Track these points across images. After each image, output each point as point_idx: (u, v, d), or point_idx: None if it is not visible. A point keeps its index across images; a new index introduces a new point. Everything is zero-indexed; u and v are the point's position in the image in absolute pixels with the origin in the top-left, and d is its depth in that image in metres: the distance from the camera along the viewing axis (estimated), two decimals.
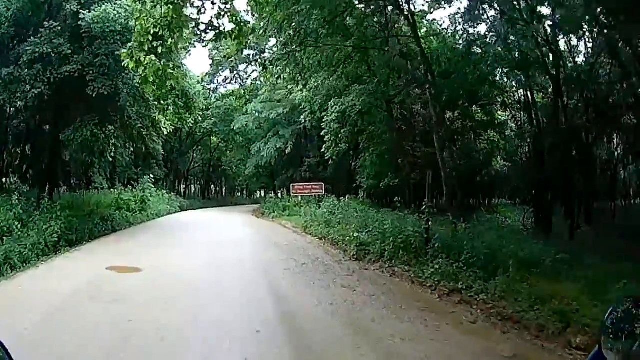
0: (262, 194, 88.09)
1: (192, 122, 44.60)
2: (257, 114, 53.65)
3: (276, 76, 31.19)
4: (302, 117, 43.74)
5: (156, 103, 32.78)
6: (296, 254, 21.71)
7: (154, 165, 59.30)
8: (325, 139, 36.42)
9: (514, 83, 31.79)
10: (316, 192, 43.36)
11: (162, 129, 37.14)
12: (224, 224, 38.06)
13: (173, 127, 40.55)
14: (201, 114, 47.73)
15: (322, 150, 38.33)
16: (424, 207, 19.29)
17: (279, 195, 55.62)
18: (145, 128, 34.00)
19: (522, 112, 32.24)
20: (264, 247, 24.49)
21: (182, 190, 73.13)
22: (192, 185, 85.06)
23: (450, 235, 18.82)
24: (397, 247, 18.78)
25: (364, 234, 22.23)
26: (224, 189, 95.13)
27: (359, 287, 15.41)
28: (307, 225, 30.97)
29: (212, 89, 67.02)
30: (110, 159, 36.40)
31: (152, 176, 48.52)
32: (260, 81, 57.05)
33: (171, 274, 16.81)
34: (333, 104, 33.53)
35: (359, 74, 33.24)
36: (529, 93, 29.65)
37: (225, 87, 67.80)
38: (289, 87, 49.96)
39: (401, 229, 19.90)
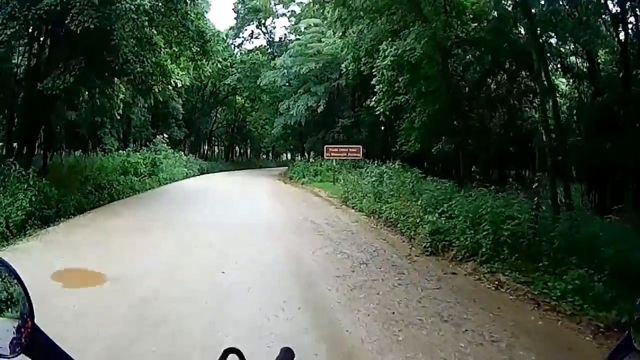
0: (289, 157, 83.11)
1: (210, 70, 39.51)
2: (286, 70, 46.76)
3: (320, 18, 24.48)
4: (342, 65, 38.15)
5: (167, 48, 27.00)
6: (347, 244, 15.42)
7: (173, 125, 54.23)
8: (376, 89, 29.46)
9: (570, 47, 26.42)
10: (353, 156, 37.39)
11: (176, 80, 30.85)
12: (245, 193, 31.68)
13: (189, 79, 34.16)
14: (220, 63, 41.12)
15: (370, 103, 31.76)
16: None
17: (309, 158, 48.72)
18: (150, 76, 27.05)
19: (578, 80, 26.94)
20: (299, 232, 17.60)
21: (204, 152, 67.57)
22: (216, 147, 79.52)
23: (569, 228, 12.38)
24: (501, 242, 12.42)
25: (436, 216, 16.00)
26: (249, 151, 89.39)
27: (464, 315, 9.31)
28: (349, 197, 24.86)
29: (236, 44, 60.45)
30: (118, 117, 32.69)
31: (165, 135, 42.82)
32: (292, 34, 50.80)
33: (144, 298, 9.82)
34: (386, 47, 26.81)
35: (408, 20, 26.81)
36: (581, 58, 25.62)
37: (252, 43, 61.02)
38: (324, 38, 44.42)
39: (500, 214, 13.46)
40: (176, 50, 30.18)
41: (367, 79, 37.27)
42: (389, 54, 26.07)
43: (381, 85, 28.28)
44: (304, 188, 35.52)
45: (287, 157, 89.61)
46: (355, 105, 47.40)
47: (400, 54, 25.36)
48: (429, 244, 14.58)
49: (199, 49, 29.26)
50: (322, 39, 45.28)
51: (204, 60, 31.31)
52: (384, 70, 27.37)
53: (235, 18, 59.09)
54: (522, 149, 31.52)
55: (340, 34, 33.04)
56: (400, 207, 18.26)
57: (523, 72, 29.02)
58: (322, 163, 40.85)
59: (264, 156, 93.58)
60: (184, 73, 33.10)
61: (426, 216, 16.17)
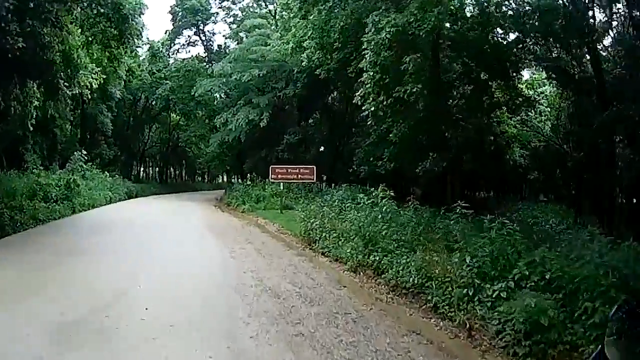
0: (225, 179, 75.60)
1: (127, 64, 37.07)
2: (224, 78, 38.58)
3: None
4: (303, 55, 29.62)
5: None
6: None
7: (102, 142, 47.42)
8: (364, 78, 19.79)
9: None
10: (305, 179, 29.82)
11: (88, 79, 23.16)
12: (173, 227, 23.46)
13: (103, 77, 25.92)
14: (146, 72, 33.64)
15: (354, 99, 22.60)
16: None
17: (249, 180, 40.30)
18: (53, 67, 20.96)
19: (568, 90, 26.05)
20: (253, 326, 8.59)
21: (136, 173, 60.88)
22: (150, 169, 73.74)
23: None
24: None
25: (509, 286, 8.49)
26: (184, 173, 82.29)
27: None
28: (315, 236, 16.63)
29: (172, 52, 52.25)
30: (31, 128, 27.05)
31: (84, 152, 34.62)
32: (233, 40, 42.88)
33: None
34: (377, 21, 18.42)
35: None
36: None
37: (189, 52, 52.79)
38: (270, 40, 36.61)
39: None
40: (87, 34, 22.52)
41: (317, 87, 34.75)
42: (388, 24, 17.54)
43: (371, 73, 19.09)
44: (245, 218, 27.55)
45: (223, 179, 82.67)
46: (302, 120, 39.58)
47: (404, 25, 17.11)
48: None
49: (114, 32, 23.15)
50: (268, 42, 37.22)
51: (121, 48, 25.38)
52: (379, 48, 18.49)
53: (171, 20, 50.36)
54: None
55: (301, 16, 26.49)
56: (424, 264, 9.94)
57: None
58: (266, 187, 33.47)
59: (199, 178, 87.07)
60: (98, 69, 24.99)
61: (487, 286, 8.39)
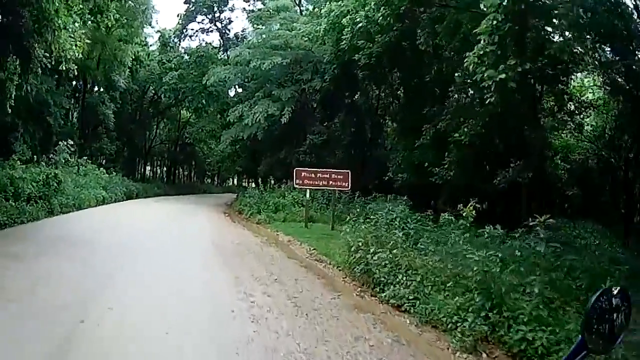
0: (236, 182, 70.22)
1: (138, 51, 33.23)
2: (242, 66, 32.26)
3: None
4: (344, 32, 23.61)
5: None
6: None
7: (103, 135, 42.26)
8: (480, 34, 12.67)
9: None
10: (339, 186, 23.44)
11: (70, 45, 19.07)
12: (164, 245, 16.48)
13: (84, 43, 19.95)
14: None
15: (465, 63, 13.74)
16: None
17: (266, 185, 34.23)
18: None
19: None
20: None
21: (141, 171, 55.29)
22: (158, 168, 68.12)
23: None
24: None
25: None
26: (192, 174, 76.08)
27: None
28: (376, 271, 10.61)
29: (182, 39, 46.33)
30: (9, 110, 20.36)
31: (71, 142, 28.74)
32: (253, 24, 36.91)
33: None
34: None
35: None
36: None
37: (202, 41, 46.50)
38: (297, 24, 32.55)
39: None
40: None
41: (346, 81, 30.29)
42: None
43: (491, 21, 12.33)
44: (263, 232, 21.51)
45: (233, 182, 76.89)
46: (326, 119, 34.20)
47: None
48: None
49: None
50: (293, 27, 31.22)
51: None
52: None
53: (185, 3, 43.87)
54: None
55: None
56: None
57: None
58: (286, 193, 27.91)
59: (209, 180, 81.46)
60: (82, 32, 19.44)
61: None
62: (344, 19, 22.59)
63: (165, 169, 66.17)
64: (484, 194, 21.52)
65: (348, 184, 23.13)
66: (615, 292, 2.48)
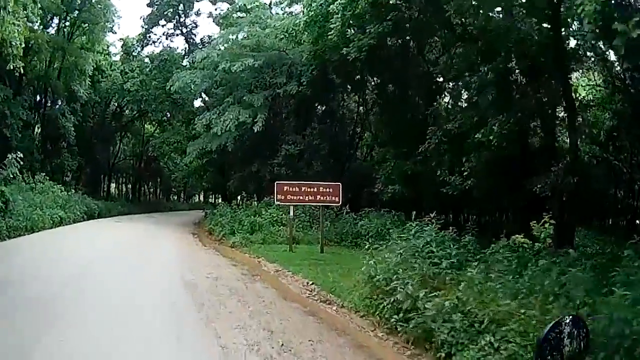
0: (202, 199, 71.73)
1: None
2: (208, 69, 28.59)
3: None
4: (332, 22, 20.09)
5: None
6: None
7: (64, 151, 38.66)
8: None
9: None
10: (328, 202, 19.75)
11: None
12: (117, 285, 11.68)
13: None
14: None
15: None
16: None
17: (238, 202, 30.17)
18: None
19: None
20: None
21: (105, 189, 51.51)
22: (123, 185, 63.50)
23: None
24: None
25: None
26: (158, 191, 71.04)
27: None
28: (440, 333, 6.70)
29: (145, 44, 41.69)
30: None
31: (20, 155, 23.69)
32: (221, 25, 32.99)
33: None
34: None
35: None
36: None
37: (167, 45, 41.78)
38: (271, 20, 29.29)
39: None
40: None
41: (324, 85, 27.71)
42: None
43: None
44: (241, 259, 17.49)
45: (200, 198, 73.72)
46: (302, 127, 30.40)
47: None
48: None
49: None
50: (267, 25, 27.49)
51: None
52: None
53: (148, 5, 39.00)
54: None
55: None
56: None
57: None
58: (263, 211, 24.35)
59: (175, 197, 76.50)
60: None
61: None
62: (332, 5, 18.79)
63: (130, 186, 61.70)
64: (510, 203, 18.12)
65: (339, 199, 19.46)
66: (568, 320, 2.51)
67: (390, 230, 14.82)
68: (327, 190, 19.26)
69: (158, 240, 23.07)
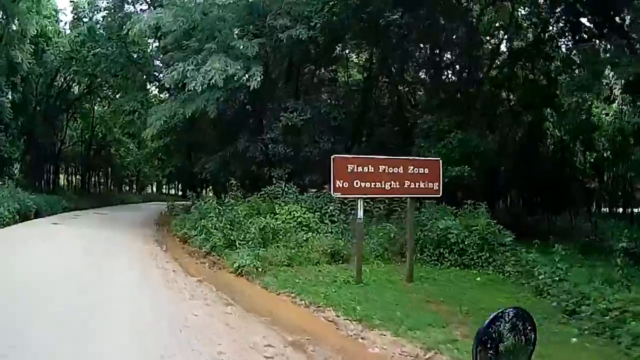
0: (155, 189, 65.76)
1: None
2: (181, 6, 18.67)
3: None
4: None
5: None
6: None
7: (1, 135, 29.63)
8: None
9: None
10: (422, 192, 10.55)
11: None
12: None
13: None
14: None
15: None
16: None
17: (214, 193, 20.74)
18: None
19: None
20: None
21: (53, 181, 41.31)
22: (73, 176, 51.70)
23: None
24: None
25: None
26: (109, 181, 59.69)
27: None
28: None
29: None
30: None
31: None
32: None
33: None
34: None
35: None
36: None
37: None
38: None
39: None
40: None
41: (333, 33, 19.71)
42: None
43: None
44: (284, 318, 7.66)
45: (153, 189, 68.40)
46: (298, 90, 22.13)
47: None
48: None
49: None
50: None
51: None
52: None
53: None
54: None
55: None
56: None
57: None
58: (277, 207, 14.59)
59: (127, 188, 64.54)
60: None
61: None
62: None
63: (79, 176, 51.29)
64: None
65: (439, 186, 10.53)
66: (511, 313, 2.27)
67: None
68: (420, 171, 10.28)
69: (108, 266, 11.92)
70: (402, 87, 24.30)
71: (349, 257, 11.51)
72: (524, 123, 23.29)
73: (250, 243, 12.19)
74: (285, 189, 16.05)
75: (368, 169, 9.82)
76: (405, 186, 10.10)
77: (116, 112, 31.91)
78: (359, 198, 9.90)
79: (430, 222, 12.53)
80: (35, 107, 34.92)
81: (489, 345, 2.13)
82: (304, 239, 12.37)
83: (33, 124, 34.01)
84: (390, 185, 9.98)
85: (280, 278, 9.76)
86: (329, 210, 13.99)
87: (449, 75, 23.84)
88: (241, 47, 17.45)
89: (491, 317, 2.17)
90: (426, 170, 10.25)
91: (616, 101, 23.68)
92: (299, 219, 13.32)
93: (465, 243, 11.76)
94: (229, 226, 13.35)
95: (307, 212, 13.51)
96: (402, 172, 10.02)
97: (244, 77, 16.64)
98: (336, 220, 14.08)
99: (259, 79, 16.70)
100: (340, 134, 21.04)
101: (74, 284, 9.27)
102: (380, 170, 9.89)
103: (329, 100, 21.73)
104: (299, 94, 21.15)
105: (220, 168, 21.82)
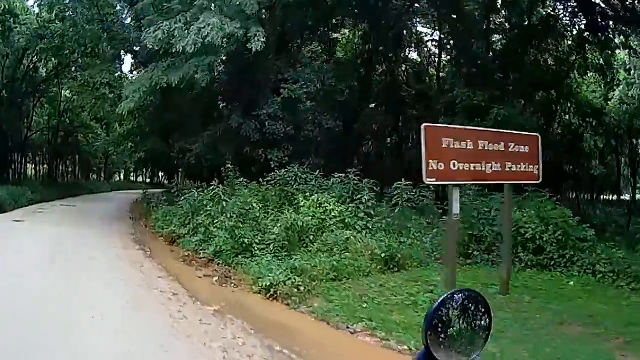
0: (122, 177, 62.14)
1: None
2: None
3: None
4: None
5: None
6: None
7: None
8: None
9: None
10: (521, 176, 7.55)
11: None
12: None
13: None
14: None
15: None
16: None
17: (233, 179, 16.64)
18: None
19: None
20: None
21: (19, 170, 37.76)
22: (40, 165, 47.56)
23: None
24: None
25: None
26: (77, 169, 55.21)
27: None
28: None
29: None
30: None
31: None
32: None
33: None
34: None
35: None
36: None
37: None
38: None
39: None
40: None
41: None
42: None
43: None
44: None
45: (120, 177, 64.39)
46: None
47: None
48: None
49: None
50: None
51: None
52: None
53: None
54: None
55: None
56: None
57: None
58: (302, 199, 10.82)
59: (94, 176, 60.21)
60: None
61: None
62: None
63: (46, 165, 47.36)
64: None
65: (538, 169, 7.86)
66: (461, 296, 2.01)
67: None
68: (521, 149, 7.64)
69: (79, 289, 7.85)
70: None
71: (405, 263, 8.38)
72: (536, 103, 21.15)
73: (271, 247, 8.95)
74: (299, 173, 12.92)
75: (467, 144, 6.70)
76: (506, 169, 7.13)
77: (85, 87, 27.92)
78: (453, 184, 6.70)
79: (493, 214, 9.61)
80: (0, 92, 31.44)
81: (439, 329, 1.84)
82: (343, 239, 9.11)
83: None
84: (492, 167, 6.92)
85: (336, 301, 6.51)
86: (363, 200, 10.83)
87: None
88: (238, 2, 14.11)
89: (439, 299, 1.87)
90: (526, 149, 7.54)
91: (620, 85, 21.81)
92: (332, 213, 10.01)
93: (543, 239, 9.36)
94: (240, 224, 9.86)
95: (338, 204, 10.20)
96: (503, 149, 7.09)
97: (240, 36, 13.36)
98: (373, 213, 10.95)
99: (262, 40, 13.49)
100: (344, 112, 18.01)
101: (28, 328, 5.61)
102: (480, 147, 6.83)
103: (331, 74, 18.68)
104: (295, 67, 17.95)
105: (207, 150, 18.30)
